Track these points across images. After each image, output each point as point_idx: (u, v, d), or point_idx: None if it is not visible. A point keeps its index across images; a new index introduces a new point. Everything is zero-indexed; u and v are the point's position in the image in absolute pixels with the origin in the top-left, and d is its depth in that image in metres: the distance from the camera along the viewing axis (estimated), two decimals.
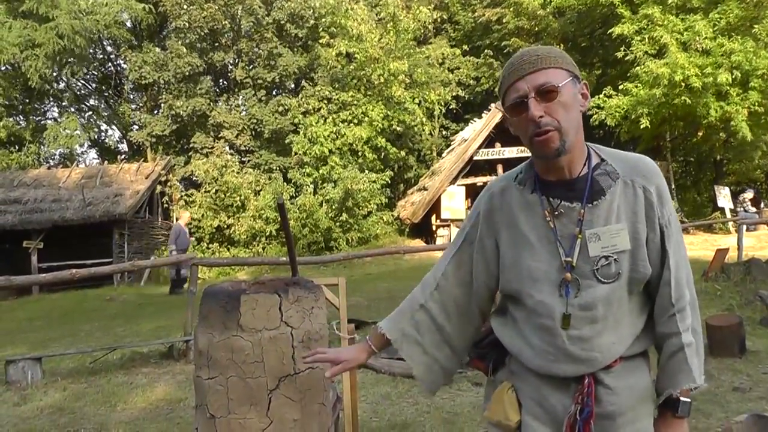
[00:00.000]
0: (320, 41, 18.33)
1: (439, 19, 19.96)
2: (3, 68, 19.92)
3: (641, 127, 14.43)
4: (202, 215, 17.03)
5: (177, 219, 13.37)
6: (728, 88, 13.53)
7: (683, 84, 13.35)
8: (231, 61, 21.09)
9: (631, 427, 1.25)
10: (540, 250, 1.25)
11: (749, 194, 15.76)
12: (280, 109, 19.50)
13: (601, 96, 15.14)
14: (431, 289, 1.41)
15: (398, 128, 17.90)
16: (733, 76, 13.30)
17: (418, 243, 16.46)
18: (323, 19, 18.49)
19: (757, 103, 13.58)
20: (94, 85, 25.14)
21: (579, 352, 1.20)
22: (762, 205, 16.51)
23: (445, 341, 1.42)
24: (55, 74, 20.26)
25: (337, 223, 16.17)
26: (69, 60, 20.05)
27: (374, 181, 16.66)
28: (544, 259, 1.25)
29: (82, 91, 24.85)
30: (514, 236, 1.30)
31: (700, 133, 16.48)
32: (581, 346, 1.20)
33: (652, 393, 1.30)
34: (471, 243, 1.38)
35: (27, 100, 22.44)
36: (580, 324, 1.21)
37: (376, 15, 18.18)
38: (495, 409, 1.33)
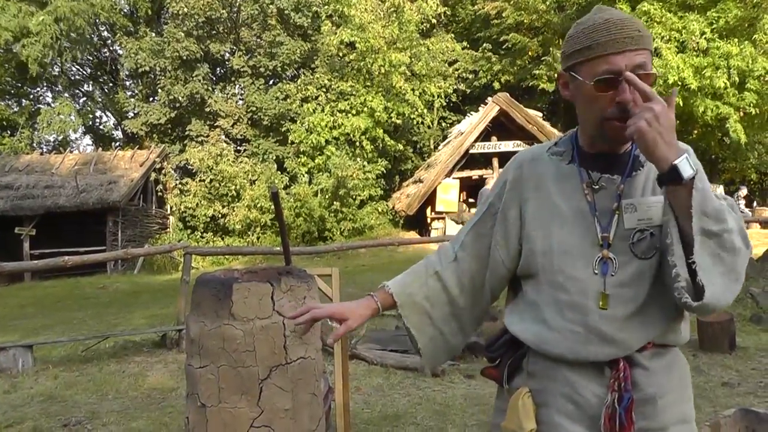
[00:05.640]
0: (323, 29, 18.21)
1: (443, 14, 19.86)
2: None
3: None
4: (197, 204, 16.97)
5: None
6: (724, 90, 13.53)
7: (679, 84, 13.33)
8: (228, 50, 20.93)
9: (672, 410, 1.15)
10: (572, 224, 1.18)
11: (743, 192, 15.84)
12: (281, 95, 19.38)
13: None
14: (449, 259, 1.33)
15: (397, 120, 17.85)
16: (731, 80, 13.29)
17: (413, 235, 16.50)
18: (326, 7, 18.37)
19: (752, 104, 13.60)
20: (89, 71, 24.91)
21: (612, 332, 1.13)
22: (755, 203, 16.58)
23: (455, 315, 1.34)
24: (49, 60, 20.00)
25: (331, 213, 16.15)
26: (67, 46, 19.84)
27: (369, 171, 16.61)
28: (577, 233, 1.17)
29: (77, 77, 24.64)
30: (544, 207, 1.22)
31: (694, 130, 16.49)
32: (615, 325, 1.13)
33: (690, 378, 1.24)
34: (494, 214, 1.29)
35: (19, 84, 22.20)
36: (616, 303, 1.13)
37: (381, 3, 18.06)
38: (510, 417, 1.22)
